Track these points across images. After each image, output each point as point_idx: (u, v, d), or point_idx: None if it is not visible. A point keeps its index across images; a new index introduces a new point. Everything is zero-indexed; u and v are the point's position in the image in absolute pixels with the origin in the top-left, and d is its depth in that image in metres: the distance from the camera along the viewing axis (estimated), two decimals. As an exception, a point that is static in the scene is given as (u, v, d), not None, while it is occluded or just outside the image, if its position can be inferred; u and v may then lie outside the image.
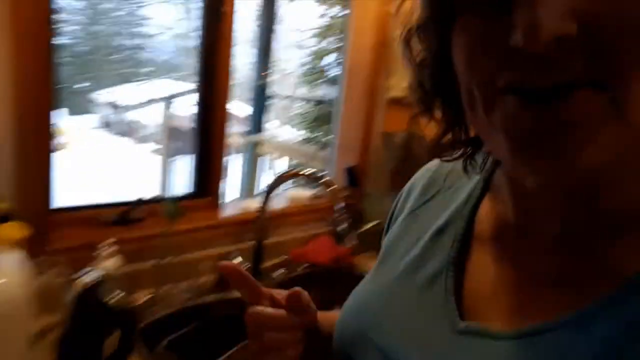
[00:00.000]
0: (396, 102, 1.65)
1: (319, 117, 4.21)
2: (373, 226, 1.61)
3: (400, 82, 1.60)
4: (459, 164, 0.42)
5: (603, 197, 0.31)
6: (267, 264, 1.35)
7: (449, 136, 0.39)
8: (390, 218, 0.53)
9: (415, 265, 0.42)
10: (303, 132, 4.42)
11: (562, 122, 0.25)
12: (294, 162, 3.44)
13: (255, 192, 2.99)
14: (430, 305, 0.38)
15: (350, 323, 0.44)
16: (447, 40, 0.32)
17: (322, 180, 1.26)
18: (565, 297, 0.31)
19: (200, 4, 1.23)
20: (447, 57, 0.32)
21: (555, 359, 0.29)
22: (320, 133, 4.13)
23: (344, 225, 1.27)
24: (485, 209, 0.41)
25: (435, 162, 0.50)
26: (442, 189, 0.47)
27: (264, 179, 3.11)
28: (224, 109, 1.30)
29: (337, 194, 1.18)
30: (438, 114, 0.39)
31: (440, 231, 0.42)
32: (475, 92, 0.30)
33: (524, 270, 0.35)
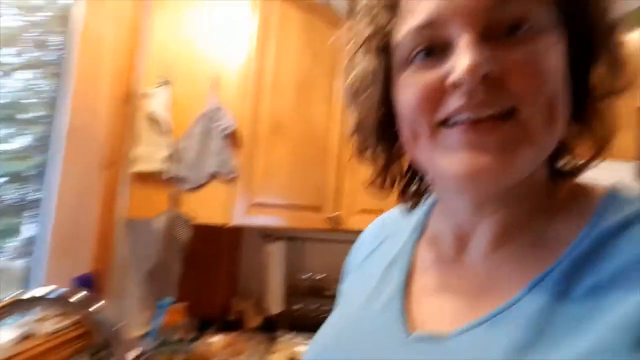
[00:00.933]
0: (143, 178, 1.31)
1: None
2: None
3: (148, 153, 1.30)
4: (396, 214, 0.52)
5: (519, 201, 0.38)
6: None
7: (382, 178, 0.46)
8: (345, 271, 0.58)
9: (371, 297, 0.45)
10: None
11: (499, 138, 0.33)
12: None
13: None
14: (386, 326, 0.41)
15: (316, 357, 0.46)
16: (389, 87, 0.39)
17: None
18: (501, 289, 0.36)
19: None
20: (386, 105, 0.40)
21: (500, 340, 0.32)
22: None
23: None
24: (423, 244, 0.47)
25: (375, 220, 0.58)
26: (389, 234, 0.52)
27: None
28: None
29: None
30: (374, 156, 0.44)
31: (390, 266, 0.47)
32: (419, 128, 0.36)
33: (464, 279, 0.40)
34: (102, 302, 0.69)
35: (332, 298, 1.76)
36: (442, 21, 0.33)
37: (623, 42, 0.36)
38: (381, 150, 0.44)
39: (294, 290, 1.93)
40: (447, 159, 0.35)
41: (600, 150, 0.37)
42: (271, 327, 1.78)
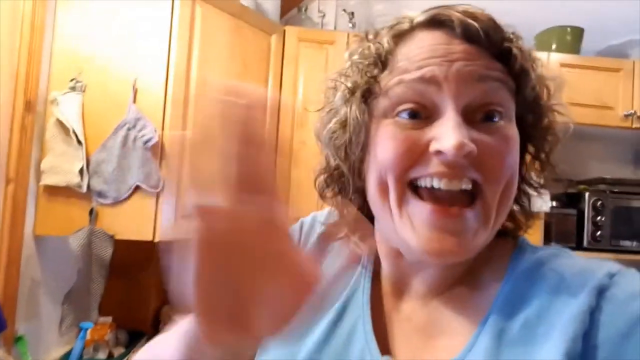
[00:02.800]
0: (53, 192, 1.20)
1: None
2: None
3: (60, 165, 1.19)
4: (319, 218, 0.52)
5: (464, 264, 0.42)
6: None
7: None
8: None
9: (333, 322, 0.45)
10: None
11: (464, 225, 0.36)
12: None
13: None
14: (355, 348, 0.42)
15: None
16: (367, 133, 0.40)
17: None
18: (448, 335, 0.39)
19: None
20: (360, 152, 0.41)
21: None
22: None
23: None
24: (378, 284, 0.47)
25: (307, 220, 0.56)
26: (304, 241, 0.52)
27: None
28: None
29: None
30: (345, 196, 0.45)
31: (350, 296, 0.46)
32: (390, 182, 0.38)
33: (412, 321, 0.42)
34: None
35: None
36: (435, 81, 0.36)
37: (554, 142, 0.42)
38: (354, 191, 0.45)
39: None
40: (415, 234, 0.37)
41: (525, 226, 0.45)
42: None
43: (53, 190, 1.19)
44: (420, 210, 0.36)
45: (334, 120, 0.43)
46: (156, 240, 1.24)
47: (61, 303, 1.18)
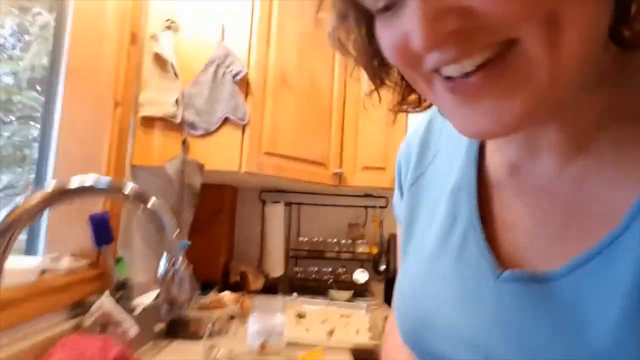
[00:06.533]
0: (149, 124, 1.27)
1: None
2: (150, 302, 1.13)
3: (157, 97, 1.27)
4: (446, 123, 0.44)
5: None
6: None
7: (410, 98, 0.41)
8: (400, 186, 0.51)
9: (444, 231, 0.41)
10: None
11: (487, 98, 0.28)
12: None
13: None
14: (470, 264, 0.37)
15: (407, 312, 0.43)
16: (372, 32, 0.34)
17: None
18: (601, 207, 0.30)
19: None
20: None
21: (625, 274, 0.27)
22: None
23: (103, 308, 0.83)
24: (490, 154, 0.41)
25: (423, 122, 0.50)
26: (439, 150, 0.46)
27: None
28: None
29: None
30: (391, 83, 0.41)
31: (455, 189, 0.41)
32: (412, 75, 0.32)
33: (550, 196, 0.34)
34: (155, 199, 0.67)
35: (332, 260, 1.78)
36: None
37: None
38: (395, 83, 0.40)
39: (294, 254, 1.93)
40: (447, 113, 0.32)
41: None
42: (273, 291, 1.77)
43: (149, 122, 1.27)
44: (442, 88, 0.30)
45: (332, 18, 0.38)
46: (241, 171, 1.30)
47: (149, 232, 1.24)
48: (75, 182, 0.59)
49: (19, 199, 0.55)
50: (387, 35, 0.31)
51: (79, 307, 1.02)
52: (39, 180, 1.12)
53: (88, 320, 0.98)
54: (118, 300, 1.03)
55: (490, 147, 0.41)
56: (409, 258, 0.45)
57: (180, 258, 0.72)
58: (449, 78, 0.29)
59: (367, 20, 0.34)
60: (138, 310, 1.03)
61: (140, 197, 0.65)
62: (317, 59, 1.55)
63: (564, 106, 0.31)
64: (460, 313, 0.36)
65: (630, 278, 0.27)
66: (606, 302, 0.27)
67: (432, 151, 0.47)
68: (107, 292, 1.01)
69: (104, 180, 0.62)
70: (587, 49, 0.27)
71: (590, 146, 0.32)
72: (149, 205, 0.67)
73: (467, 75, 0.28)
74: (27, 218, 0.55)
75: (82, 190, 0.60)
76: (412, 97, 0.41)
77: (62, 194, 0.58)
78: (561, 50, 0.26)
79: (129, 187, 0.65)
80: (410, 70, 0.32)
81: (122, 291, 1.06)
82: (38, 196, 0.55)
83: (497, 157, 0.39)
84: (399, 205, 0.51)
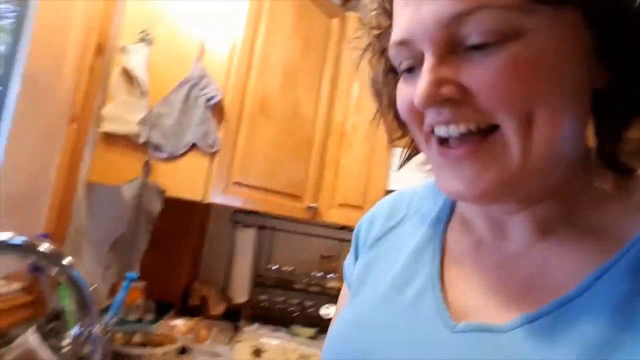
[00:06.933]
0: (111, 140, 1.19)
1: None
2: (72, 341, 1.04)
3: (122, 113, 1.18)
4: (418, 191, 0.51)
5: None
6: None
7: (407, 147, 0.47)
8: (356, 249, 0.53)
9: (398, 283, 0.43)
10: None
11: (469, 162, 0.33)
12: None
13: None
14: (422, 316, 0.38)
15: (342, 351, 0.43)
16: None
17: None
18: (556, 279, 0.33)
19: None
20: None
21: (570, 334, 0.30)
22: None
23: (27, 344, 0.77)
24: (454, 226, 0.44)
25: (392, 194, 0.54)
26: (407, 214, 0.50)
27: None
28: None
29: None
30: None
31: (418, 251, 0.44)
32: (414, 129, 0.37)
33: (508, 269, 0.37)
34: (71, 258, 0.59)
35: (300, 292, 1.70)
36: (413, 39, 0.33)
37: None
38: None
39: (261, 281, 1.84)
40: (435, 171, 0.37)
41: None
42: (234, 317, 1.69)
43: (110, 139, 1.19)
44: (435, 150, 0.35)
45: (373, 73, 0.44)
46: (205, 201, 1.22)
47: (106, 251, 1.16)
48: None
49: None
50: (403, 92, 0.36)
51: (2, 338, 0.94)
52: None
53: (8, 356, 0.90)
54: (48, 333, 0.95)
55: (456, 223, 0.45)
56: (356, 302, 0.47)
57: (96, 323, 0.65)
58: (441, 143, 0.34)
59: (395, 80, 0.40)
60: (65, 349, 0.95)
61: (56, 257, 0.58)
62: (302, 87, 1.48)
63: (534, 197, 0.36)
64: (406, 357, 0.37)
65: (576, 338, 0.29)
66: (551, 355, 0.30)
67: (398, 217, 0.50)
68: (33, 328, 0.92)
69: (19, 238, 0.59)
70: (556, 148, 0.32)
71: (553, 231, 0.36)
72: (65, 263, 0.60)
73: (456, 140, 0.33)
74: None
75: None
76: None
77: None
78: (532, 144, 0.31)
79: (45, 246, 0.59)
80: (414, 125, 0.37)
81: (55, 322, 0.98)
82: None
83: (463, 230, 0.43)
84: (350, 267, 0.53)
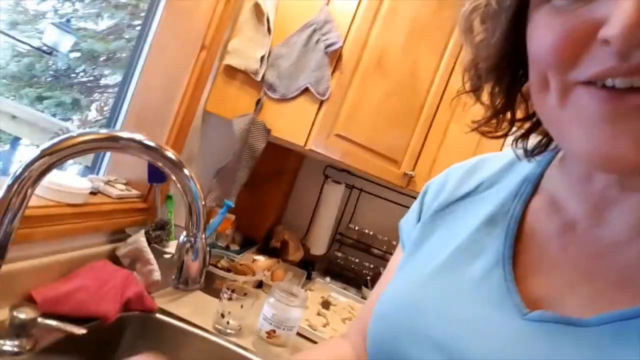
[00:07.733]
0: (231, 74, 1.24)
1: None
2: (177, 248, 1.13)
3: (245, 49, 1.21)
4: (497, 161, 0.46)
5: None
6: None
7: (496, 121, 0.41)
8: (420, 211, 0.50)
9: (462, 257, 0.40)
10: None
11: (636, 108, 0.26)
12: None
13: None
14: (490, 296, 0.36)
15: (392, 321, 0.40)
16: (518, 23, 0.33)
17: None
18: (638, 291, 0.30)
19: None
20: (512, 39, 0.34)
21: None
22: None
23: (138, 244, 0.87)
24: (538, 204, 0.40)
25: (470, 159, 0.50)
26: (486, 181, 0.45)
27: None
28: None
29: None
30: (491, 97, 0.40)
31: (489, 223, 0.41)
32: (551, 79, 0.30)
33: (603, 260, 0.34)
34: (188, 170, 0.63)
35: (376, 257, 1.67)
36: None
37: None
38: (499, 92, 0.39)
39: (340, 239, 1.87)
40: (578, 131, 0.29)
41: None
42: (309, 266, 1.74)
43: (231, 72, 1.23)
44: (588, 101, 0.27)
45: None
46: (306, 147, 1.23)
47: (212, 177, 1.23)
48: (126, 133, 0.59)
49: (74, 132, 0.57)
50: (554, 27, 0.28)
51: (118, 235, 1.06)
52: (117, 104, 1.16)
53: (122, 250, 1.02)
54: (154, 239, 1.06)
55: (541, 201, 0.40)
56: (410, 269, 0.45)
57: (200, 235, 0.69)
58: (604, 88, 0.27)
59: (513, 14, 0.33)
60: (167, 256, 1.05)
61: (179, 166, 0.62)
62: (426, 48, 1.38)
63: None
64: (468, 336, 0.35)
65: None
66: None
67: (474, 182, 0.46)
68: (142, 231, 1.03)
69: (151, 141, 0.61)
70: None
71: None
72: (185, 172, 0.64)
73: (622, 93, 0.26)
74: (73, 152, 0.56)
75: (129, 141, 0.59)
76: (505, 123, 0.41)
77: (112, 140, 0.58)
78: None
79: (171, 153, 0.63)
80: (553, 72, 0.29)
81: (160, 232, 1.08)
82: (89, 136, 0.56)
83: (549, 210, 0.39)
84: (409, 227, 0.50)
